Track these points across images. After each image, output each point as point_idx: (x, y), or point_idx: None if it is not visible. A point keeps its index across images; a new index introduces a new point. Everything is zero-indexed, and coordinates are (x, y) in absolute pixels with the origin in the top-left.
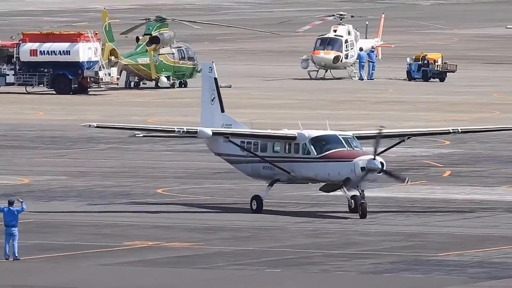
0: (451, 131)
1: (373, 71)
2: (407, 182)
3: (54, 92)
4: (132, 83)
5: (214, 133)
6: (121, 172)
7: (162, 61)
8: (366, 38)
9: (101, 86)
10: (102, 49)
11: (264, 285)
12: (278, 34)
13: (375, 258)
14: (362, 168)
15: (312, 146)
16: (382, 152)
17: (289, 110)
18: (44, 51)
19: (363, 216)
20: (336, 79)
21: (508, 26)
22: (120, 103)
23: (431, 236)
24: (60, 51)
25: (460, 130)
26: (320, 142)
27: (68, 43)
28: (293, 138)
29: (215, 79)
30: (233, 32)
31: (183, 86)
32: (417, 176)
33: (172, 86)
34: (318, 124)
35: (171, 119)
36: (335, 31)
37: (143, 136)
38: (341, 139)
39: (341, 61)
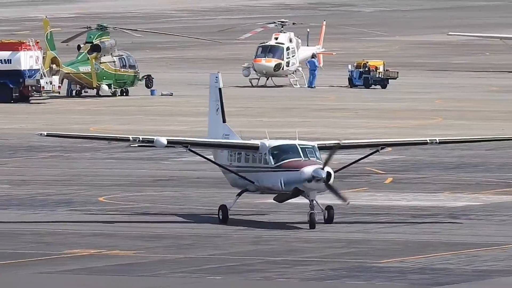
0: (428, 141)
1: (314, 79)
2: (347, 204)
3: None
4: (74, 92)
5: (169, 142)
6: (62, 180)
7: (103, 69)
8: (307, 45)
9: (43, 94)
10: (43, 57)
11: None
12: (219, 42)
13: (317, 265)
14: (308, 177)
15: (270, 156)
16: (356, 162)
17: (230, 117)
18: None
19: (311, 226)
20: (277, 87)
21: (450, 33)
22: (62, 111)
23: (373, 243)
24: (1, 60)
25: (438, 141)
26: (278, 152)
27: (9, 52)
28: (256, 147)
29: (220, 89)
30: (174, 40)
31: (124, 94)
32: (358, 183)
33: (114, 94)
34: (258, 132)
35: (113, 128)
36: (276, 38)
37: (138, 146)
38: (299, 149)
39: (283, 68)
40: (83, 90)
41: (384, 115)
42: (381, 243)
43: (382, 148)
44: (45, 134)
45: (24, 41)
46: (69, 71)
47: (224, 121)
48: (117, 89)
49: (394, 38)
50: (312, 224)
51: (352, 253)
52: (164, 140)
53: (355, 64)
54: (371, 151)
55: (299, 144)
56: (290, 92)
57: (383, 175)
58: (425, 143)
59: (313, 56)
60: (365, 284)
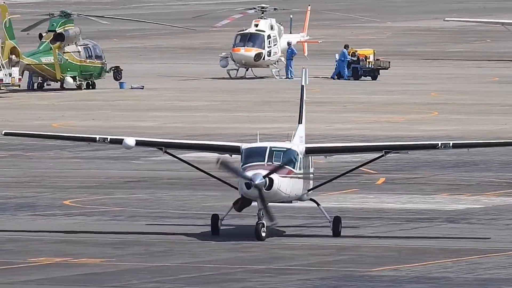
0: (440, 145)
1: (291, 69)
2: (274, 224)
3: None
4: (36, 84)
5: (138, 143)
6: (24, 182)
7: (67, 60)
8: (290, 33)
9: (1, 88)
10: (1, 47)
11: None
12: (194, 29)
13: (302, 274)
14: (246, 183)
15: (243, 160)
16: (360, 167)
17: (206, 112)
18: None
19: (257, 238)
20: (258, 78)
21: (446, 19)
22: (22, 106)
23: (364, 249)
24: None
25: (451, 145)
26: (247, 155)
27: None
28: (237, 149)
29: (302, 86)
30: (144, 28)
31: (90, 87)
32: (347, 184)
33: (79, 87)
34: (239, 128)
35: (78, 124)
36: (256, 25)
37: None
38: (267, 152)
39: (264, 58)
40: (45, 83)
41: (374, 109)
42: (373, 249)
43: (386, 153)
44: (3, 133)
45: None
46: (30, 62)
47: (300, 121)
48: (83, 82)
49: (385, 25)
50: (257, 236)
51: (341, 261)
52: (131, 141)
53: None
54: (378, 156)
55: (272, 147)
56: (272, 84)
57: (374, 175)
58: (436, 147)
59: (289, 44)
60: None
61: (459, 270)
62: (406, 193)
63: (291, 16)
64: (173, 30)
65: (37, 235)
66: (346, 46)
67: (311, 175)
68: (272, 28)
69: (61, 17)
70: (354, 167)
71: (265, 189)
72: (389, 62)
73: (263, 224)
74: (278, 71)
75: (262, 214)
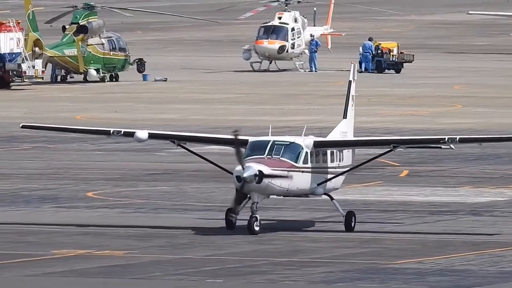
0: (447, 139)
1: (315, 62)
2: (234, 209)
3: None
4: (59, 77)
5: (150, 136)
6: (47, 174)
7: (90, 52)
8: (314, 25)
9: (25, 80)
10: (25, 39)
11: None
12: (217, 22)
13: (326, 266)
14: (237, 176)
15: (246, 152)
16: (367, 162)
17: (229, 105)
18: None
19: (250, 232)
20: (281, 71)
21: (470, 12)
22: (45, 98)
23: (387, 242)
24: None
25: (458, 139)
26: (251, 148)
27: None
28: (245, 143)
29: (349, 81)
30: (168, 20)
31: (114, 79)
32: (371, 177)
33: (102, 79)
34: (261, 120)
35: (102, 116)
36: (280, 18)
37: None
38: (269, 146)
39: (287, 51)
40: (68, 75)
41: (398, 102)
42: (397, 242)
43: (395, 147)
44: (20, 126)
45: (4, 22)
46: (53, 55)
47: (345, 116)
48: (106, 74)
49: (409, 18)
50: (249, 230)
51: (364, 254)
52: (143, 134)
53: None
54: (386, 150)
55: (275, 141)
56: (295, 77)
57: (398, 167)
58: (444, 142)
59: (312, 37)
60: (379, 287)
61: (482, 263)
62: (430, 185)
63: (315, 8)
64: (197, 23)
65: (60, 228)
66: (370, 39)
67: (345, 169)
68: (295, 20)
69: (85, 9)
70: (362, 162)
71: (255, 183)
72: (413, 55)
73: (256, 218)
74: (302, 63)
75: (256, 208)
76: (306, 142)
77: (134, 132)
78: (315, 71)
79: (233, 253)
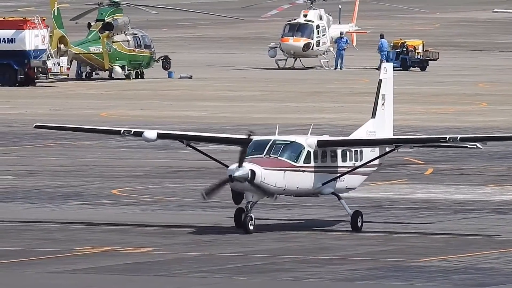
0: (448, 139)
1: (343, 60)
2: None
3: None
4: (84, 74)
5: (159, 136)
6: (72, 171)
7: (116, 49)
8: (339, 23)
9: (50, 77)
10: (50, 36)
11: None
12: (242, 19)
13: (350, 264)
14: (229, 175)
15: (248, 151)
16: (368, 162)
17: (254, 102)
18: None
19: (245, 231)
20: (306, 69)
21: (496, 10)
22: (70, 95)
23: (411, 240)
24: (4, 39)
25: (459, 138)
26: (252, 147)
27: (13, 30)
28: (249, 142)
29: (380, 80)
30: (193, 18)
31: (139, 76)
32: (396, 174)
33: (128, 76)
34: (287, 118)
35: (127, 113)
36: (305, 15)
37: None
38: (268, 145)
39: (312, 48)
40: (94, 72)
41: (423, 100)
42: (421, 240)
43: (397, 146)
44: (34, 126)
45: (29, 19)
46: (78, 52)
47: (373, 116)
48: (131, 71)
49: (434, 15)
50: (244, 229)
51: (389, 251)
52: (152, 134)
53: (391, 44)
54: (389, 150)
55: (276, 140)
56: (321, 74)
57: (423, 165)
58: (445, 141)
59: (341, 34)
60: (404, 285)
61: (506, 261)
62: (454, 183)
63: (340, 6)
64: (222, 20)
65: (84, 225)
66: (381, 36)
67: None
68: (321, 18)
69: (110, 6)
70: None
71: (247, 182)
72: (438, 53)
73: (251, 217)
74: (327, 61)
75: (251, 207)
76: (308, 141)
77: (143, 132)
78: (340, 68)
79: (257, 250)
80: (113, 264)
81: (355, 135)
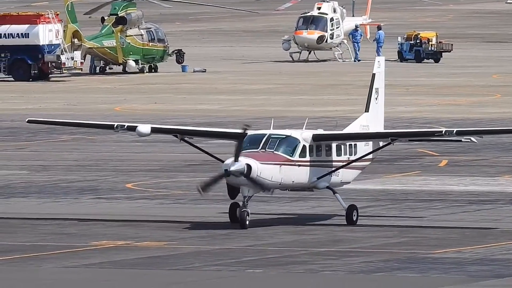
0: (444, 132)
1: (358, 52)
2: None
3: (12, 79)
4: (98, 68)
5: (153, 130)
6: (86, 166)
7: (129, 43)
8: (353, 15)
9: (64, 71)
10: (64, 31)
11: (245, 287)
12: (256, 12)
13: (365, 256)
14: (225, 170)
15: (243, 146)
16: (365, 156)
17: (268, 95)
18: (0, 34)
19: (241, 226)
20: (320, 61)
21: (509, 1)
22: (84, 90)
23: (426, 232)
24: (18, 34)
25: (455, 132)
26: (248, 141)
27: (27, 25)
28: (244, 136)
29: (373, 74)
30: (206, 11)
31: (153, 70)
32: (410, 166)
33: (141, 70)
34: (300, 111)
35: (140, 107)
36: (319, 8)
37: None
38: (264, 139)
39: (326, 41)
40: (107, 67)
41: (437, 92)
42: (436, 232)
43: (393, 140)
44: (26, 120)
45: (42, 13)
46: (92, 46)
47: (367, 110)
48: (145, 65)
49: (447, 7)
50: (241, 224)
51: (404, 243)
52: (145, 129)
53: (405, 36)
54: (384, 143)
55: (271, 134)
56: (335, 67)
57: (437, 157)
58: (441, 135)
59: (356, 27)
60: (419, 276)
61: None
62: (469, 175)
63: None
64: (236, 13)
65: (99, 219)
66: (379, 27)
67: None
68: (334, 11)
69: (124, 0)
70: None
71: (243, 177)
72: (452, 44)
73: (248, 212)
74: (341, 54)
75: (247, 201)
76: (304, 135)
77: (136, 126)
78: (357, 61)
79: (273, 243)
80: (128, 258)
81: (349, 129)
